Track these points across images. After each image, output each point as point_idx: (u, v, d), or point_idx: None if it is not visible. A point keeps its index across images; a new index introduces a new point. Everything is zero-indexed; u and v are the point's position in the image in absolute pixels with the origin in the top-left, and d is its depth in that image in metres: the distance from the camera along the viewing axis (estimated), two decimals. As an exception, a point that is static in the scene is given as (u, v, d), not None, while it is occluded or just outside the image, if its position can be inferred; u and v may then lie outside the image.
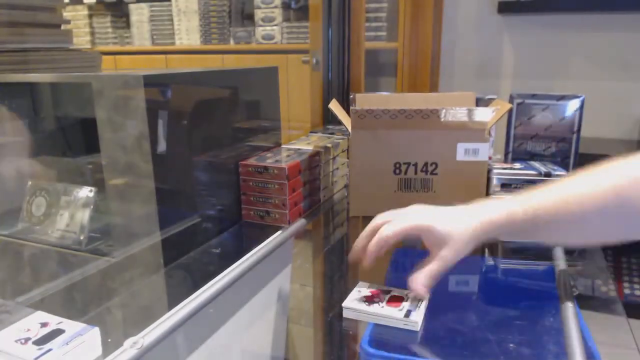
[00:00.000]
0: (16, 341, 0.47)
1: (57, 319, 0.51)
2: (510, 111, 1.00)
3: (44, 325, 0.50)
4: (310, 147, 1.00)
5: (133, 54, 2.87)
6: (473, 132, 0.83)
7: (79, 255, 0.77)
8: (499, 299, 0.70)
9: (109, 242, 0.79)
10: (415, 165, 0.86)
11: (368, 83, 1.76)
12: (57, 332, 0.49)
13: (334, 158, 1.05)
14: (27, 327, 0.49)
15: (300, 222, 0.90)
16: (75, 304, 0.57)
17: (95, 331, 0.50)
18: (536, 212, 0.57)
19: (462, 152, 0.85)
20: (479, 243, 0.61)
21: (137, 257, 0.74)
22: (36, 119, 0.98)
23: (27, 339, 0.48)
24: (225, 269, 0.70)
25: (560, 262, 0.75)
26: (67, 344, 0.47)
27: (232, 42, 2.68)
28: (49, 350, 0.46)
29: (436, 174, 0.86)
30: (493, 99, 1.00)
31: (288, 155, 0.93)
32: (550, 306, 0.65)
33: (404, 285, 0.64)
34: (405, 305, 0.62)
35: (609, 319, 0.67)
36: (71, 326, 0.50)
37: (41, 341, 0.47)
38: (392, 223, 0.62)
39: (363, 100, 1.00)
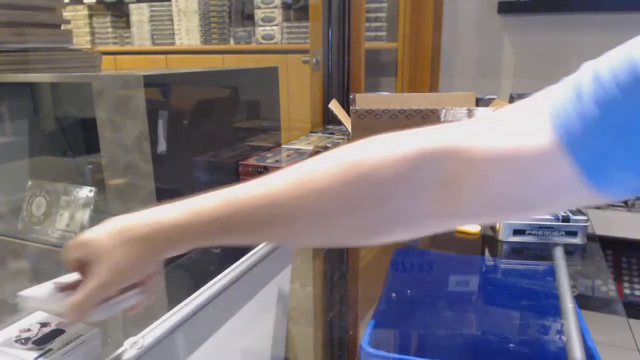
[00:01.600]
0: (16, 341, 0.47)
1: (57, 318, 0.51)
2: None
3: (44, 325, 0.50)
4: (310, 147, 1.00)
5: (133, 54, 2.87)
6: (473, 132, 0.83)
7: (79, 255, 0.77)
8: (499, 299, 0.70)
9: (109, 242, 0.78)
10: (415, 165, 0.86)
11: (368, 83, 1.76)
12: (57, 332, 0.49)
13: (334, 158, 1.05)
14: (27, 327, 0.49)
15: (300, 222, 0.90)
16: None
17: (96, 332, 0.50)
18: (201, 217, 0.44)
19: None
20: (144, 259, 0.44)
21: (137, 257, 0.74)
22: (36, 119, 0.98)
23: (27, 339, 0.48)
24: (225, 269, 0.70)
25: (560, 262, 0.75)
26: (67, 344, 0.47)
27: (232, 42, 2.68)
28: (49, 350, 0.46)
29: (436, 174, 0.86)
30: (493, 99, 1.00)
31: (288, 155, 0.93)
32: (550, 306, 0.65)
33: (404, 285, 0.65)
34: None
35: (609, 319, 0.67)
36: (71, 327, 0.50)
37: (41, 341, 0.47)
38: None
39: (363, 100, 1.00)
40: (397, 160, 0.37)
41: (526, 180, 0.35)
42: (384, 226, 0.40)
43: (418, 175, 0.37)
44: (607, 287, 0.77)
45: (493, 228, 0.86)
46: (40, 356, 0.45)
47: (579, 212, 0.83)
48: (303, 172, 0.44)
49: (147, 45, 2.88)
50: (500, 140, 0.36)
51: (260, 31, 2.57)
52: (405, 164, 0.37)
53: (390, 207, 0.38)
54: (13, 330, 0.49)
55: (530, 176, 0.35)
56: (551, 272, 0.73)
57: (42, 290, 0.47)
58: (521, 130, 0.35)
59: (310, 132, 1.23)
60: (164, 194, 0.72)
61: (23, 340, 0.47)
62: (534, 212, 0.38)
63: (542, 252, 0.81)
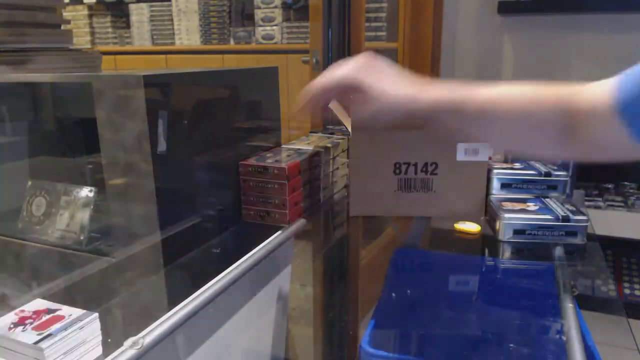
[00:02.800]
0: (16, 326, 0.48)
1: (57, 305, 0.51)
2: (510, 111, 1.00)
3: (43, 311, 0.50)
4: (310, 147, 0.99)
5: (133, 54, 2.87)
6: (473, 132, 0.83)
7: (79, 255, 0.77)
8: (499, 299, 0.70)
9: (109, 242, 0.79)
10: (415, 165, 0.86)
11: (368, 83, 1.76)
12: (57, 318, 0.49)
13: (334, 158, 1.05)
14: (26, 313, 0.50)
15: (300, 222, 0.90)
16: (75, 304, 0.58)
17: (95, 317, 0.50)
18: (477, 103, 0.61)
19: (463, 152, 0.84)
20: (408, 116, 0.62)
21: (137, 257, 0.74)
22: (36, 119, 0.98)
23: (26, 325, 0.48)
24: (225, 269, 0.70)
25: (560, 262, 0.75)
26: (66, 329, 0.47)
27: (232, 42, 2.68)
28: (49, 335, 0.46)
29: (436, 174, 0.86)
30: (493, 99, 1.00)
31: (288, 155, 0.93)
32: (550, 306, 0.65)
33: (404, 285, 0.65)
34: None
35: (609, 319, 0.67)
36: (71, 312, 0.50)
37: (41, 326, 0.48)
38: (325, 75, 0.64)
39: (363, 100, 1.00)
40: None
41: (594, 133, 0.51)
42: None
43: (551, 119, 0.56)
44: (607, 287, 0.77)
45: (493, 228, 0.86)
46: (39, 341, 0.46)
47: (579, 212, 0.83)
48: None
49: (147, 45, 2.88)
50: (590, 99, 0.52)
51: (260, 31, 2.57)
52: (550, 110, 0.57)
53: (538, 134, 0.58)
54: (13, 315, 0.49)
55: (595, 129, 0.50)
56: (551, 272, 0.73)
57: None
58: (600, 92, 0.51)
59: (310, 132, 1.23)
60: (164, 194, 0.72)
61: (22, 326, 0.48)
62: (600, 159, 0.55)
63: (542, 252, 0.81)
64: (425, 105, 0.61)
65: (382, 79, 0.62)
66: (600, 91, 0.51)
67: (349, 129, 0.86)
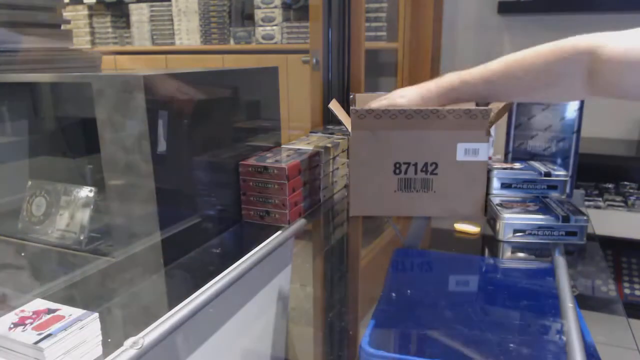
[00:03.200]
0: (16, 326, 0.48)
1: (57, 305, 0.51)
2: (510, 111, 1.00)
3: (43, 311, 0.50)
4: (310, 147, 1.00)
5: (133, 54, 2.87)
6: (473, 132, 0.83)
7: (79, 255, 0.77)
8: (499, 299, 0.70)
9: (109, 242, 0.79)
10: (415, 165, 0.86)
11: (368, 83, 1.76)
12: (57, 318, 0.49)
13: (334, 158, 1.05)
14: (26, 313, 0.50)
15: (300, 222, 0.90)
16: (75, 304, 0.58)
17: (95, 317, 0.50)
18: (484, 77, 0.74)
19: (462, 152, 0.85)
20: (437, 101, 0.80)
21: (137, 257, 0.74)
22: (36, 119, 0.98)
23: (26, 325, 0.48)
24: (225, 269, 0.70)
25: (560, 262, 0.75)
26: (65, 329, 0.47)
27: (232, 42, 2.68)
28: (49, 334, 0.46)
29: (436, 174, 0.86)
30: (493, 99, 1.00)
31: (288, 155, 0.93)
32: (550, 306, 0.65)
33: (404, 285, 0.65)
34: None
35: (609, 319, 0.67)
36: (71, 312, 0.50)
37: (41, 326, 0.48)
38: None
39: (363, 100, 1.00)
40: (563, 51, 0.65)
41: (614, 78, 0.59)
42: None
43: (574, 64, 0.63)
44: (607, 287, 0.77)
45: (493, 228, 0.86)
46: (39, 341, 0.46)
47: (578, 212, 0.83)
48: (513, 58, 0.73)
49: (147, 45, 2.88)
50: (630, 48, 0.57)
51: (260, 31, 2.57)
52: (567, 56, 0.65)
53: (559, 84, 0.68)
54: (13, 315, 0.50)
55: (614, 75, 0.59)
56: (551, 272, 0.73)
57: None
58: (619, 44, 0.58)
59: (310, 132, 1.23)
60: (164, 194, 0.72)
61: (23, 326, 0.48)
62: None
63: (542, 252, 0.81)
64: (450, 93, 0.79)
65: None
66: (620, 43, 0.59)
67: (349, 129, 0.86)
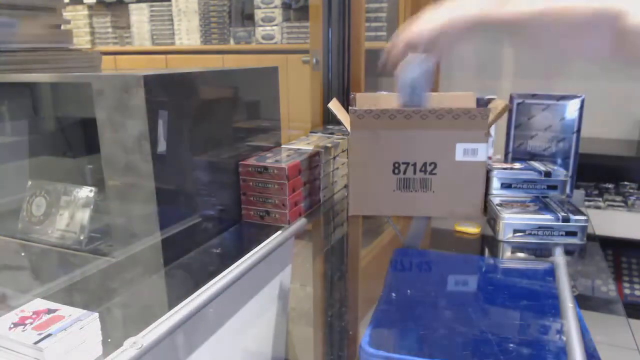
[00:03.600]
0: (16, 326, 0.48)
1: (57, 305, 0.51)
2: (510, 111, 1.00)
3: (43, 311, 0.50)
4: (310, 147, 1.00)
5: (133, 54, 2.87)
6: (472, 132, 0.83)
7: (79, 255, 0.77)
8: (499, 299, 0.70)
9: (109, 242, 0.79)
10: (414, 165, 0.86)
11: (368, 83, 1.76)
12: (57, 318, 0.49)
13: (334, 158, 1.05)
14: (26, 313, 0.50)
15: (300, 222, 0.90)
16: (75, 304, 0.58)
17: (95, 317, 0.50)
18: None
19: (461, 152, 0.85)
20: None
21: (137, 257, 0.74)
22: (36, 119, 0.98)
23: (26, 325, 0.48)
24: (225, 269, 0.70)
25: (560, 262, 0.75)
26: (65, 329, 0.47)
27: (232, 42, 2.68)
28: (49, 335, 0.46)
29: (435, 173, 0.86)
30: (493, 98, 1.00)
31: (288, 155, 0.93)
32: (550, 306, 0.65)
33: (404, 285, 0.65)
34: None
35: (609, 319, 0.67)
36: (70, 312, 0.50)
37: (41, 326, 0.48)
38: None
39: (363, 100, 1.00)
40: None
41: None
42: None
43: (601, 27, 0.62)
44: (607, 287, 0.77)
45: (493, 228, 0.86)
46: (39, 341, 0.46)
47: (578, 212, 0.83)
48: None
49: (147, 45, 2.88)
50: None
51: (260, 31, 2.57)
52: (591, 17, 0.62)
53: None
54: (13, 315, 0.49)
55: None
56: (551, 272, 0.73)
57: None
58: None
59: (310, 132, 1.23)
60: (164, 194, 0.72)
61: (23, 326, 0.48)
62: None
63: (542, 252, 0.81)
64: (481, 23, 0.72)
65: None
66: None
67: (349, 129, 0.86)
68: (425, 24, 0.76)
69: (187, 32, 2.76)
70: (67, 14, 2.96)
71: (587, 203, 1.90)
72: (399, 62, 0.78)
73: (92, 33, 3.02)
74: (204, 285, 0.65)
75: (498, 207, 0.85)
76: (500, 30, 0.75)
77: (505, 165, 0.95)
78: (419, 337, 0.60)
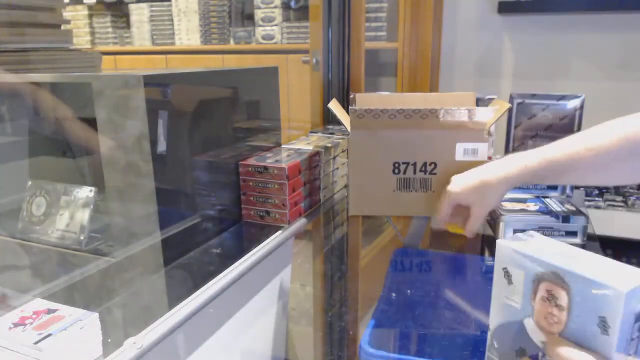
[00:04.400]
0: (16, 326, 0.48)
1: (57, 305, 0.51)
2: (510, 111, 1.00)
3: (43, 311, 0.50)
4: (310, 147, 1.00)
5: (133, 54, 2.86)
6: (472, 132, 0.83)
7: (79, 255, 0.77)
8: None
9: (109, 242, 0.79)
10: (414, 165, 0.86)
11: (368, 83, 1.76)
12: (57, 318, 0.49)
13: (334, 158, 1.05)
14: (26, 313, 0.50)
15: (300, 222, 0.90)
16: (75, 304, 0.58)
17: (95, 317, 0.50)
18: (550, 163, 0.68)
19: (462, 152, 0.84)
20: (504, 193, 0.73)
21: (137, 257, 0.74)
22: (36, 119, 0.98)
23: (26, 325, 0.48)
24: (225, 269, 0.70)
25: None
26: (65, 329, 0.47)
27: (232, 42, 2.68)
28: (49, 335, 0.46)
29: (435, 173, 0.86)
30: (493, 98, 1.00)
31: (288, 155, 0.93)
32: (550, 306, 0.64)
33: (404, 285, 0.65)
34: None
35: (609, 318, 0.67)
36: (70, 312, 0.50)
37: (41, 326, 0.48)
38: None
39: (363, 100, 1.00)
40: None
41: None
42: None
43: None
44: (607, 287, 0.77)
45: (493, 228, 0.86)
46: (39, 341, 0.46)
47: (578, 212, 0.83)
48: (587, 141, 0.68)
49: (147, 45, 2.88)
50: None
51: (260, 31, 2.57)
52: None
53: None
54: (14, 315, 0.49)
55: None
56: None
57: None
58: None
59: (310, 132, 1.23)
60: (164, 194, 0.72)
61: (23, 326, 0.48)
62: None
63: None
64: (514, 183, 0.71)
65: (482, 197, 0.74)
66: None
67: (349, 129, 0.86)
68: (457, 186, 0.76)
69: (187, 32, 2.76)
70: (67, 14, 2.96)
71: (587, 203, 1.90)
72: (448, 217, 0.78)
73: (92, 33, 3.02)
74: (204, 285, 0.65)
75: (498, 207, 0.85)
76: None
77: (505, 165, 0.95)
78: (419, 337, 0.60)
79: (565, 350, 0.43)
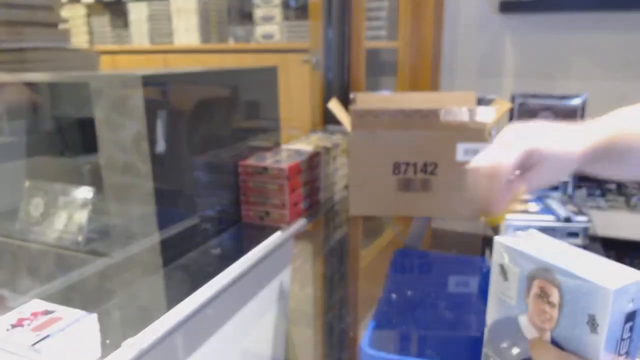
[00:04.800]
0: (15, 327, 0.47)
1: (55, 306, 0.51)
2: (511, 111, 1.00)
3: (41, 312, 0.50)
4: (310, 147, 0.99)
5: (132, 53, 2.86)
6: (473, 132, 0.83)
7: (77, 256, 0.77)
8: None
9: (107, 243, 0.78)
10: (415, 165, 0.85)
11: (368, 83, 1.76)
12: (55, 319, 0.49)
13: (334, 158, 1.04)
14: (24, 314, 0.49)
15: (300, 223, 0.89)
16: (73, 305, 0.57)
17: (93, 318, 0.50)
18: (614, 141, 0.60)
19: (462, 152, 0.84)
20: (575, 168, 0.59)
21: (136, 257, 0.74)
22: (34, 118, 0.97)
23: (24, 326, 0.48)
24: (225, 269, 0.70)
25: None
26: (64, 330, 0.47)
27: (231, 41, 2.67)
28: (47, 336, 0.46)
29: (436, 174, 0.85)
30: (494, 98, 0.99)
31: (288, 155, 0.92)
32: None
33: (404, 286, 0.64)
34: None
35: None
36: (69, 313, 0.50)
37: (39, 328, 0.47)
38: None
39: (363, 100, 0.99)
40: None
41: None
42: None
43: None
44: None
45: (493, 228, 0.86)
46: (37, 342, 0.45)
47: (580, 212, 0.82)
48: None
49: (146, 44, 2.87)
50: None
51: (259, 30, 2.56)
52: None
53: None
54: (12, 316, 0.49)
55: None
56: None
57: None
58: None
59: (310, 132, 1.23)
60: (163, 194, 0.71)
61: (21, 327, 0.47)
62: None
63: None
64: (590, 156, 0.59)
65: (552, 139, 0.57)
66: None
67: (349, 129, 0.86)
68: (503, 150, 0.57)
69: (185, 31, 2.75)
70: (65, 13, 2.95)
71: (589, 203, 1.90)
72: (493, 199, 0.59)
73: (91, 32, 3.02)
74: (203, 286, 0.65)
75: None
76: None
77: (506, 165, 0.94)
78: (419, 338, 0.60)
79: (547, 353, 0.43)
